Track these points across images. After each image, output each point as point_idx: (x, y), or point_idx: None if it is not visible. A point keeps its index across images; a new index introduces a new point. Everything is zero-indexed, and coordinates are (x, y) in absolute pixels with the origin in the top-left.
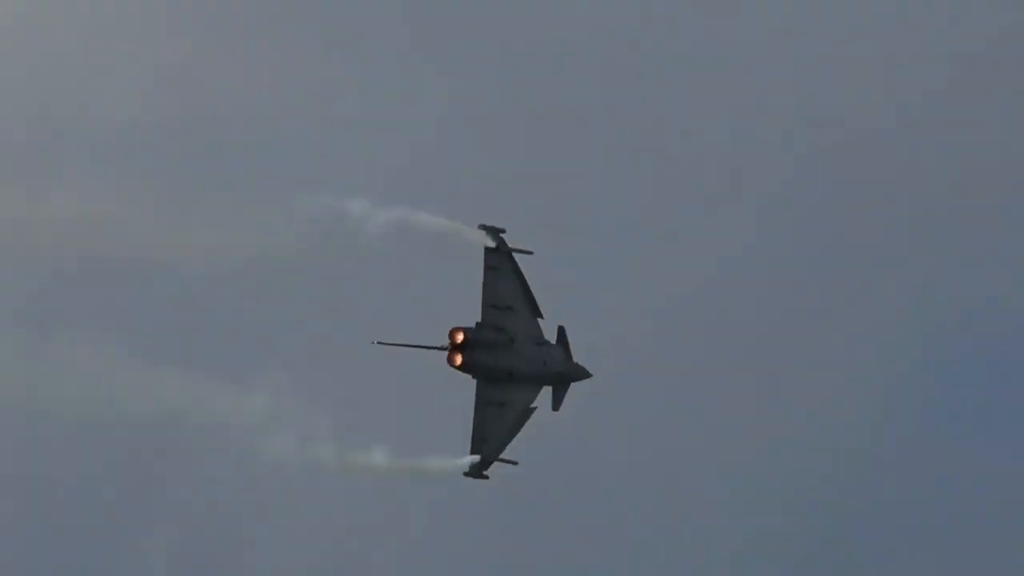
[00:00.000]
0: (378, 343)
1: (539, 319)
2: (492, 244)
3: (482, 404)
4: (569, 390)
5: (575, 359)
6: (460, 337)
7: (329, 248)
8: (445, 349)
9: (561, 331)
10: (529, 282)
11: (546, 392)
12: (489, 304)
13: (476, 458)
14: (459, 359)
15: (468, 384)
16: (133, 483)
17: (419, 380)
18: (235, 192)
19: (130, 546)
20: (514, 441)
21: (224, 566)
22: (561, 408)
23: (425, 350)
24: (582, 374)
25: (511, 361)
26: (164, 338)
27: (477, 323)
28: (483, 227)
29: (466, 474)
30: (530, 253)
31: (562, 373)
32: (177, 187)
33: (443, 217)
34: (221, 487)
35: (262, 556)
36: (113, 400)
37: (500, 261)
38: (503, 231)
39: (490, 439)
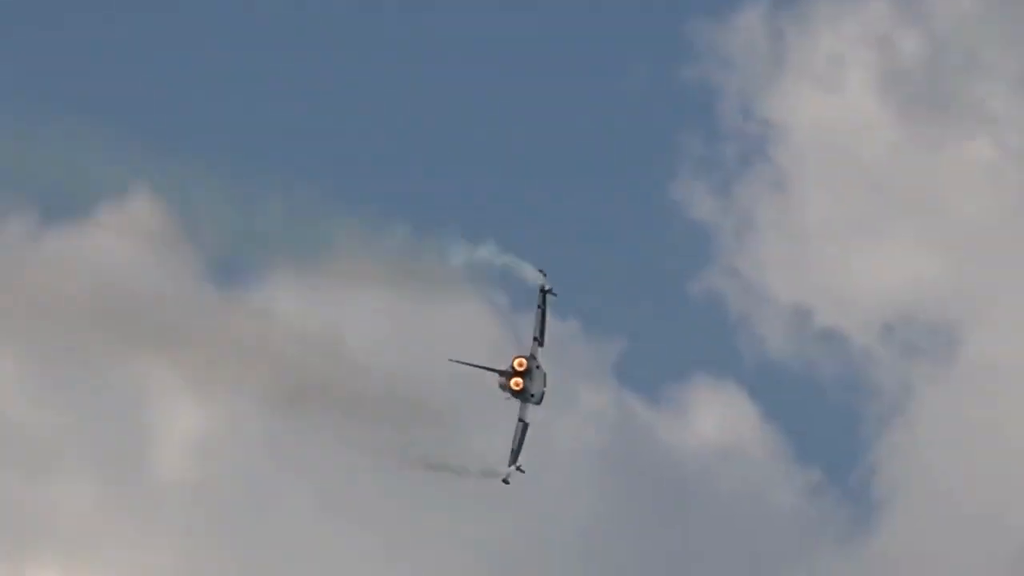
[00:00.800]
0: (454, 361)
1: (540, 347)
2: (547, 286)
3: (519, 422)
4: None
5: None
6: (521, 364)
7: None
8: (507, 373)
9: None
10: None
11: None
12: (533, 336)
13: (513, 468)
14: (520, 384)
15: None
16: None
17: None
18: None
19: None
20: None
21: None
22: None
23: (488, 371)
24: None
25: (537, 386)
26: None
27: (531, 353)
28: (541, 270)
29: (503, 480)
30: (555, 295)
31: (543, 394)
32: None
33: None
34: None
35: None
36: None
37: (542, 299)
38: (545, 273)
39: (516, 451)
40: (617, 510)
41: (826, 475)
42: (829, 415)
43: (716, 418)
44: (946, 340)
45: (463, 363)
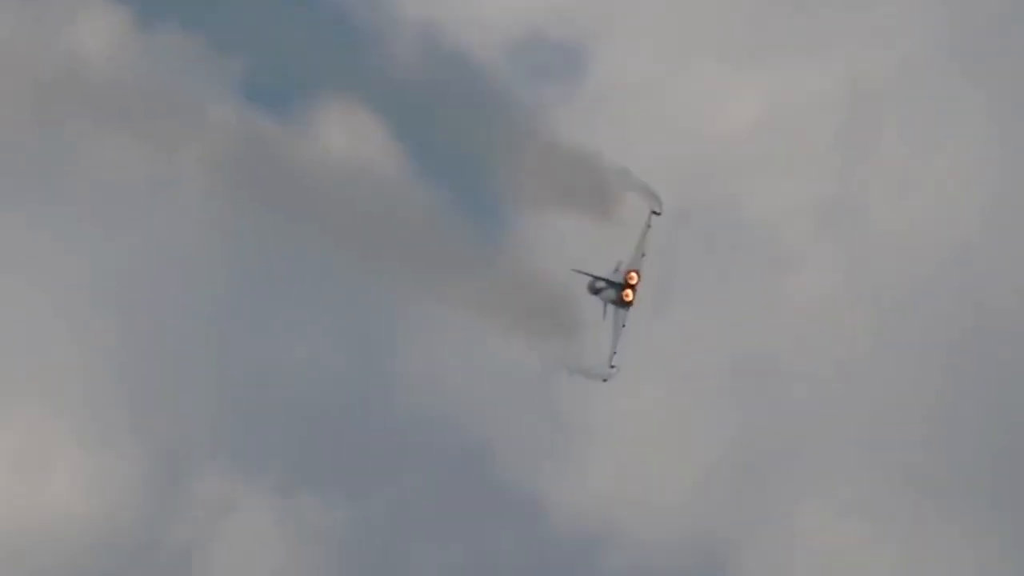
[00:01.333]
0: (576, 271)
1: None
2: (658, 211)
3: (621, 326)
4: None
5: None
6: (632, 278)
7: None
8: (621, 285)
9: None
10: None
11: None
12: (640, 253)
13: (614, 369)
14: (630, 296)
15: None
16: None
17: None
18: None
19: None
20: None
21: None
22: None
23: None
24: None
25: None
26: None
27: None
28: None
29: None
30: (659, 214)
31: None
32: None
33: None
34: None
35: None
36: None
37: (649, 220)
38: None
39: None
40: (253, 225)
41: (453, 194)
42: (457, 134)
43: (344, 137)
44: (575, 60)
45: (585, 273)
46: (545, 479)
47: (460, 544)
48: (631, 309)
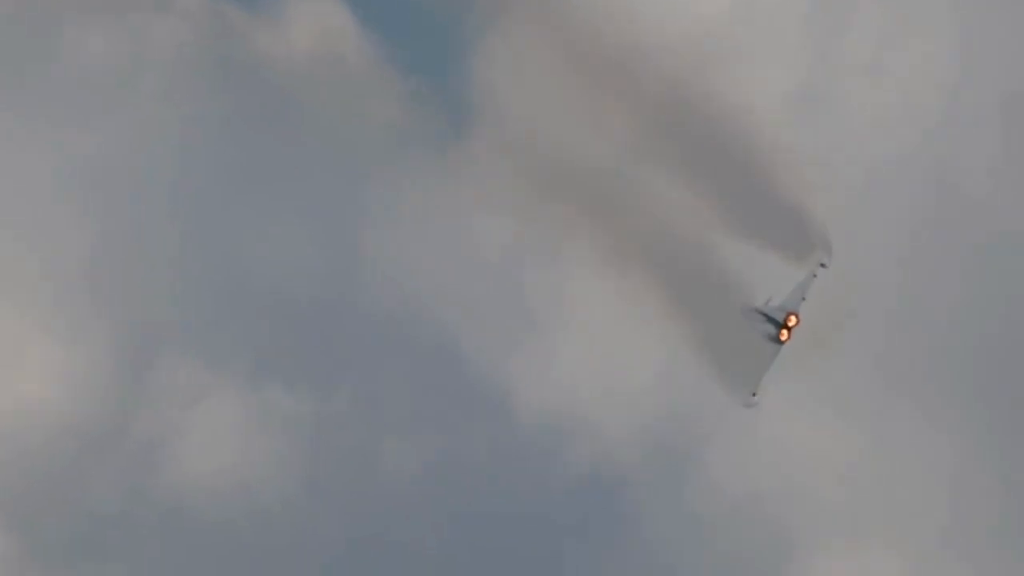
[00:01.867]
0: (748, 307)
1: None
2: (825, 263)
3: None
4: None
5: None
6: (791, 320)
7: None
8: (781, 324)
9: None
10: None
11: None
12: (800, 297)
13: (756, 397)
14: (786, 337)
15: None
16: None
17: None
18: None
19: None
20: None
21: None
22: None
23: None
24: None
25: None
26: None
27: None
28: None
29: (746, 406)
30: (825, 267)
31: None
32: None
33: None
34: None
35: None
36: None
37: (815, 271)
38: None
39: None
40: (216, 117)
41: (425, 82)
42: (424, 24)
43: (313, 27)
44: None
45: (756, 308)
46: (513, 370)
47: (428, 436)
48: (783, 347)
